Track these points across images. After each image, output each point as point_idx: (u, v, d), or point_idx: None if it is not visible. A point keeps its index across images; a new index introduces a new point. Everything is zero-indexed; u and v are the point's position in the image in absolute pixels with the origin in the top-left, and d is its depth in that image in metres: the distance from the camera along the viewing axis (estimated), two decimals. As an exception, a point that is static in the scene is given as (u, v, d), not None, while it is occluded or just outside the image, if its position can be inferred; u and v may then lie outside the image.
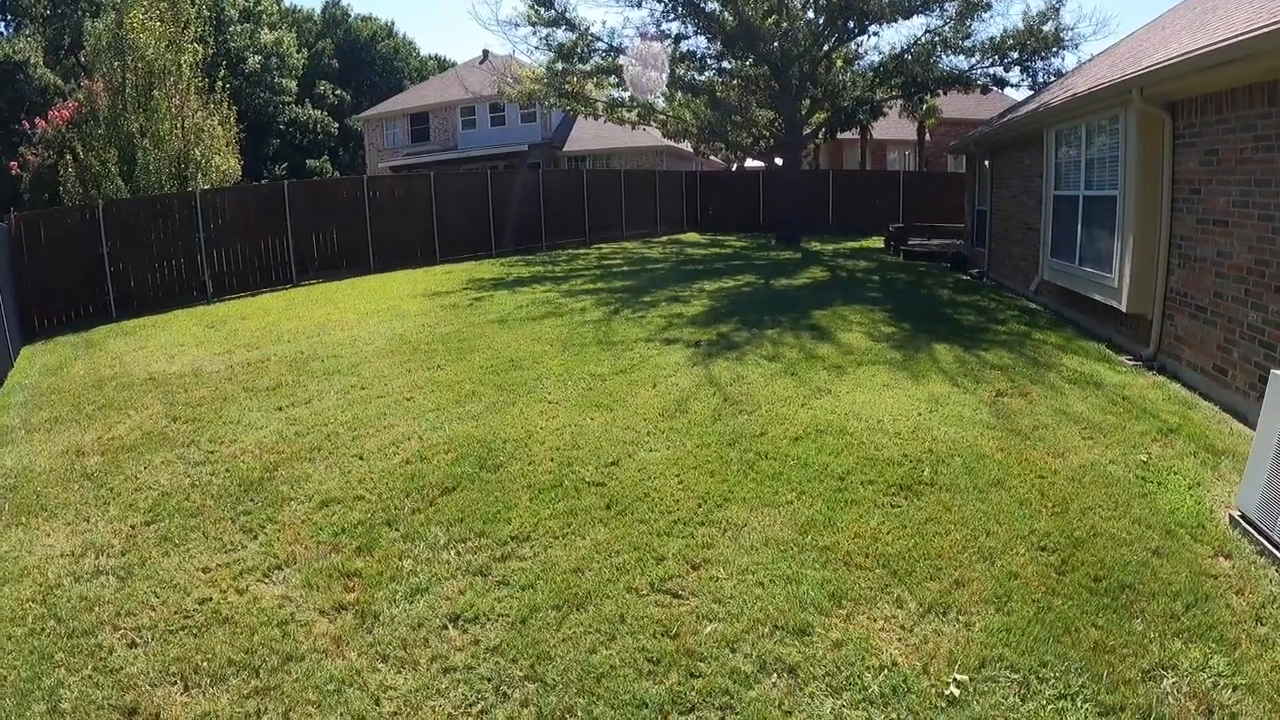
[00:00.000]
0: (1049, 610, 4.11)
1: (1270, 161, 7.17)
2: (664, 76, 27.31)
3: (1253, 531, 4.80)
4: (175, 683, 4.10)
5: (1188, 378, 8.48)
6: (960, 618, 4.07)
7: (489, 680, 3.85)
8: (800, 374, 8.89)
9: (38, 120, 33.92)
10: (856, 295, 14.72)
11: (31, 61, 47.73)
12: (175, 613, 4.74)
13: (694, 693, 3.62)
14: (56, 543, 5.95)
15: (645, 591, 4.48)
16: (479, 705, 3.69)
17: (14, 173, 35.21)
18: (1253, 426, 6.52)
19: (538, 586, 4.63)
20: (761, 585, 4.44)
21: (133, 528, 6.05)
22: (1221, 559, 4.67)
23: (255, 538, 5.65)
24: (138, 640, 4.51)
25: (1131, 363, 9.40)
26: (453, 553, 5.14)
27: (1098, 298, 10.67)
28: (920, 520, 5.14)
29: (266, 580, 5.04)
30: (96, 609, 4.87)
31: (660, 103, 28.95)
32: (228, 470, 7.03)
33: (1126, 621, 4.01)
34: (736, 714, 3.52)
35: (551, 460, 6.59)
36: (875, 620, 4.08)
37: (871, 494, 5.55)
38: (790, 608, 4.20)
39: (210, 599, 4.85)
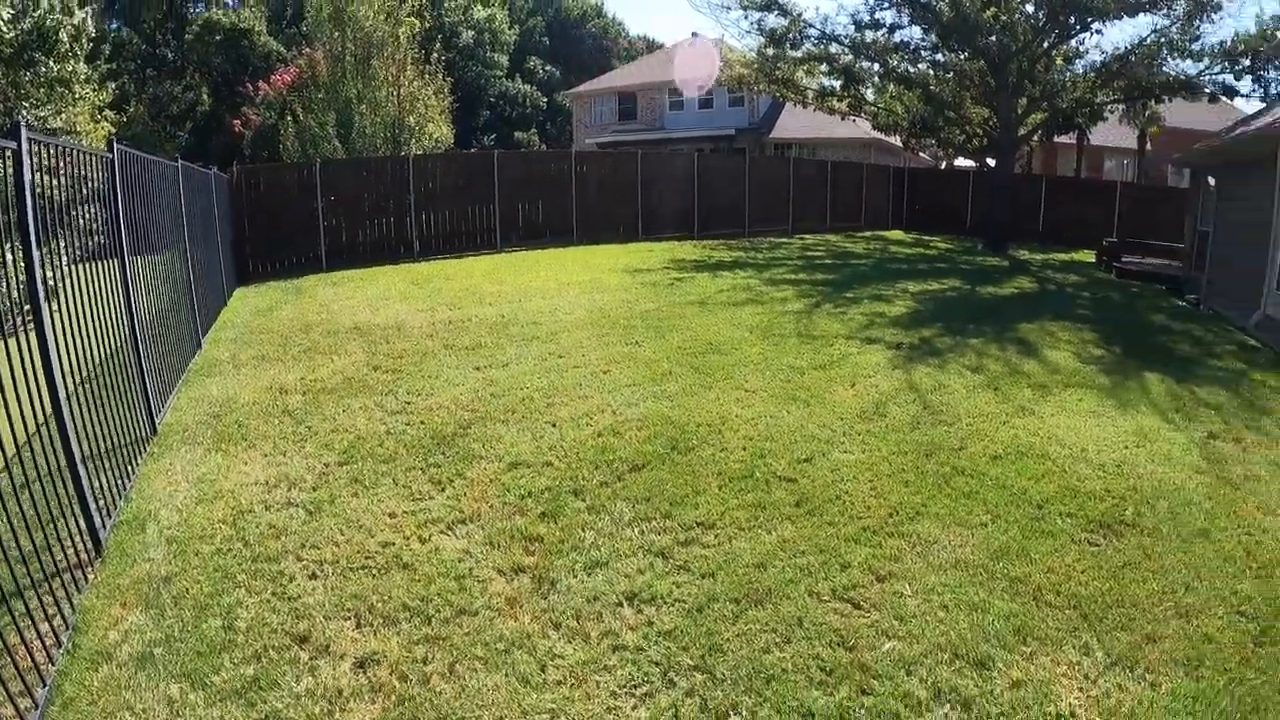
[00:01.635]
0: (1241, 683, 3.84)
1: None
2: (876, 67, 26.84)
3: None
4: (349, 618, 4.39)
5: None
6: (1147, 676, 3.88)
7: (657, 665, 3.94)
8: (1003, 389, 8.67)
9: (260, 83, 36.22)
10: (1065, 311, 14.18)
11: (255, 29, 51.04)
12: (357, 552, 5.08)
13: (863, 710, 3.61)
14: (252, 471, 6.46)
15: (826, 597, 4.49)
16: (644, 688, 3.78)
17: (236, 130, 37.79)
18: None
19: (718, 577, 4.70)
20: (946, 609, 4.39)
21: (326, 466, 6.49)
22: None
23: (443, 490, 5.99)
24: (318, 573, 4.85)
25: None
26: (636, 531, 5.29)
27: (1330, 341, 9.98)
28: (1118, 563, 4.94)
29: (449, 533, 5.33)
30: (283, 538, 5.28)
31: (871, 94, 28.48)
32: (422, 422, 7.45)
33: (1326, 705, 3.74)
34: (905, 740, 3.49)
35: (744, 450, 6.67)
36: (1059, 665, 3.96)
37: (1069, 527, 5.38)
38: (973, 637, 4.13)
39: (393, 543, 5.19)
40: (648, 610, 4.38)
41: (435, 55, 29.72)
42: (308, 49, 30.57)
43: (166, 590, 4.70)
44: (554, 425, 7.35)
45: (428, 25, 29.98)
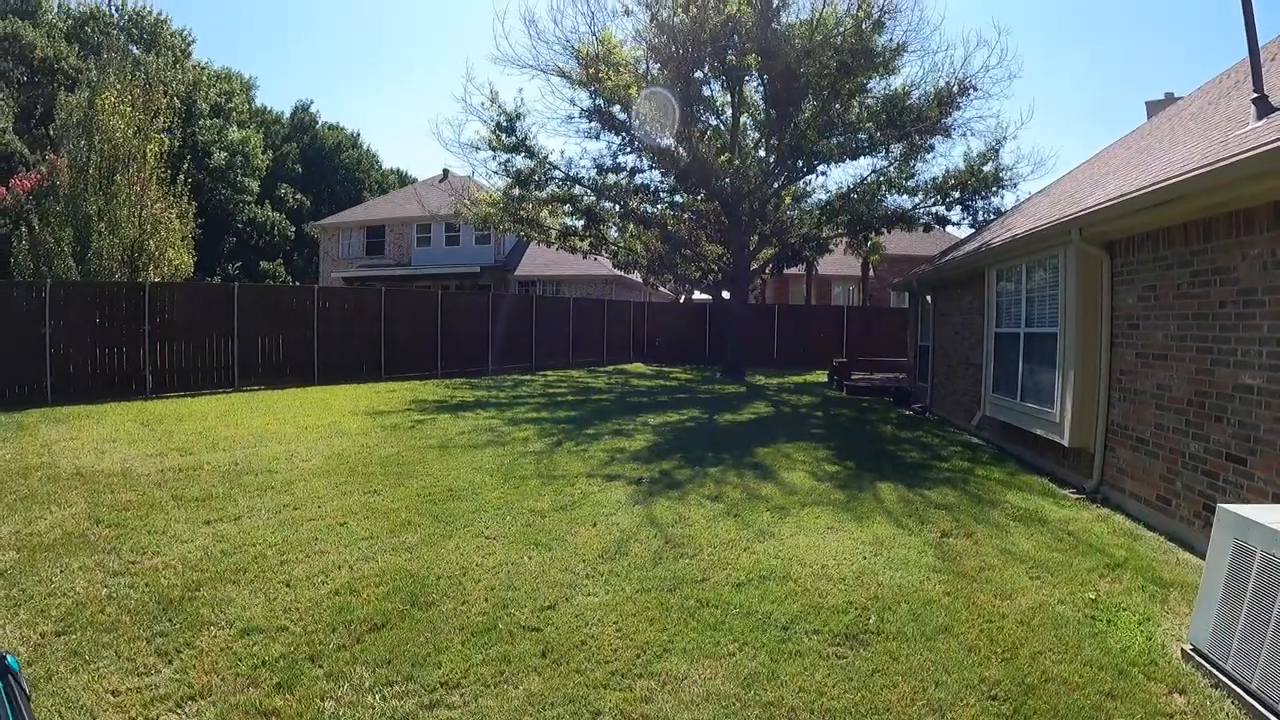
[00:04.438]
0: (1003, 767, 3.93)
1: (1206, 296, 7.50)
2: (617, 207, 27.86)
3: (1206, 665, 4.80)
4: (74, 828, 3.76)
5: (1132, 509, 8.65)
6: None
7: (409, 846, 3.52)
8: (743, 515, 8.75)
9: None
10: (800, 432, 14.74)
11: (0, 126, 47.31)
12: (78, 740, 4.42)
13: None
14: (-42, 644, 5.58)
15: (580, 749, 4.22)
16: None
17: None
18: (1199, 555, 6.77)
19: (467, 740, 4.33)
20: (703, 743, 4.20)
21: (42, 636, 5.68)
22: (1176, 695, 4.64)
23: (170, 662, 5.30)
24: (38, 771, 4.19)
25: (1075, 496, 9.53)
26: (378, 696, 4.82)
27: (1039, 432, 10.86)
28: (867, 672, 4.95)
29: (178, 712, 4.68)
30: (-3, 726, 4.51)
31: (612, 233, 29.48)
32: (147, 585, 6.68)
33: (1083, 775, 3.87)
34: None
35: (486, 601, 6.33)
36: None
37: (816, 644, 5.36)
38: (733, 768, 3.96)
39: (117, 728, 4.52)
40: (396, 786, 3.97)
41: (184, 175, 28.44)
42: (52, 154, 28.59)
43: None
44: (288, 585, 6.78)
45: (178, 144, 28.65)
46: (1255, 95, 8.34)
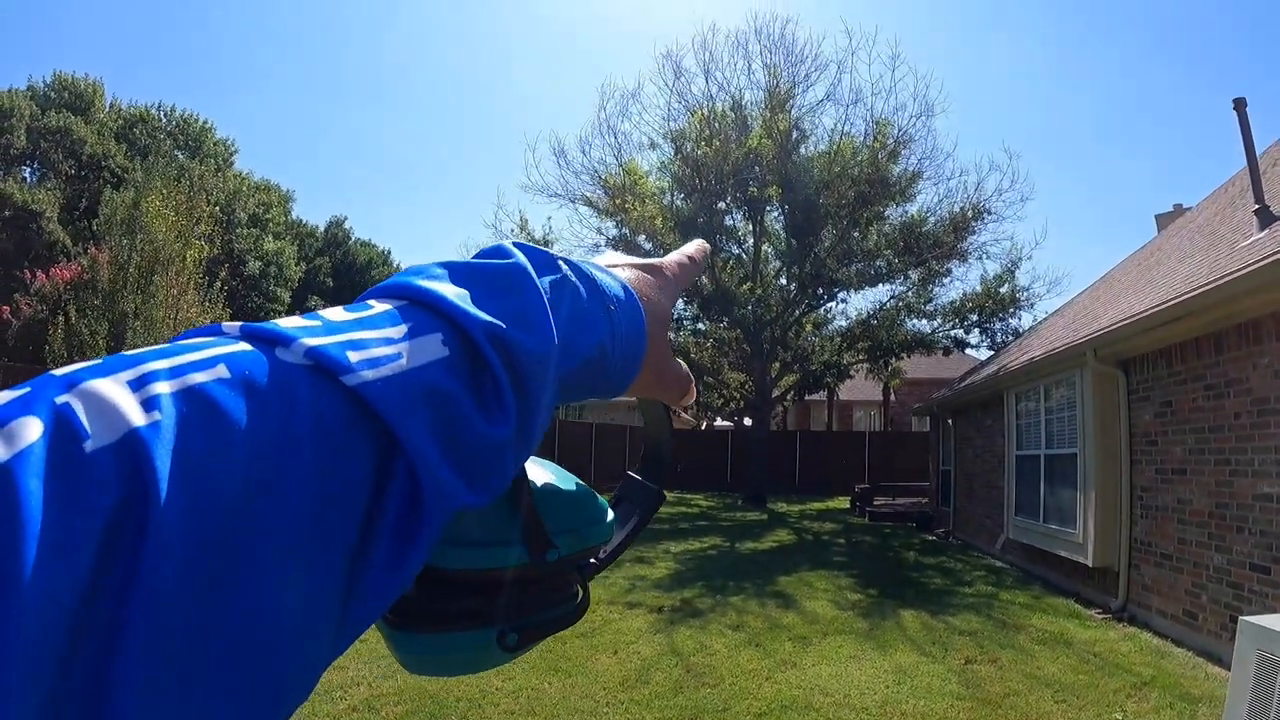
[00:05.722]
0: None
1: (1221, 408, 7.60)
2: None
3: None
4: None
5: (1158, 625, 8.54)
6: None
7: None
8: (765, 645, 8.63)
9: (39, 273, 33.85)
10: (822, 560, 14.60)
11: (46, 214, 47.96)
12: None
13: None
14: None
15: None
16: None
17: (4, 317, 34.63)
18: (1227, 668, 6.61)
19: None
20: None
21: None
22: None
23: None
24: None
25: (1101, 616, 9.43)
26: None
27: (1063, 554, 10.78)
28: (888, 800, 4.84)
29: None
30: None
31: (636, 360, 29.69)
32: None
33: None
34: None
35: (505, 725, 6.28)
36: None
37: (837, 772, 5.26)
38: None
39: None
40: None
41: (220, 283, 28.90)
42: (94, 248, 29.02)
43: None
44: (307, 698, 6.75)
45: (216, 252, 29.13)
46: (1257, 206, 8.58)
